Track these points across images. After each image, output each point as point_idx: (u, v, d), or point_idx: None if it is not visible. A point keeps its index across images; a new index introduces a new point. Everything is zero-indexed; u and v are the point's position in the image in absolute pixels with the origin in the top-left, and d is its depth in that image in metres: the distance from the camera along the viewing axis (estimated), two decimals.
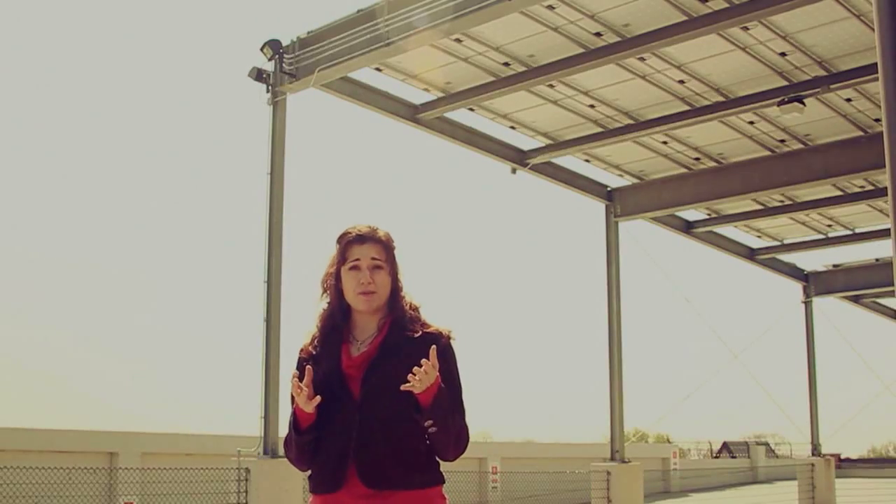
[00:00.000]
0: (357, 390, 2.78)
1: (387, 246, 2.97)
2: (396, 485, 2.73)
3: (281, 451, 8.97)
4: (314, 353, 2.93)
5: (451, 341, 2.91)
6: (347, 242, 2.96)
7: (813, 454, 21.01)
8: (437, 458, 2.85)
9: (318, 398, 2.71)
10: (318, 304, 3.04)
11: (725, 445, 37.45)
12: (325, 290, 3.03)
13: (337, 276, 2.98)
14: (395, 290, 2.95)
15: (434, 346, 2.70)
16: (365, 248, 2.93)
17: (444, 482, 2.86)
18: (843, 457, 34.77)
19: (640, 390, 20.40)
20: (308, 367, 2.78)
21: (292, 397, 2.82)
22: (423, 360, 2.65)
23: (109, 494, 14.24)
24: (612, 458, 14.77)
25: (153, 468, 13.79)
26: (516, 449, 24.87)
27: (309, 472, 2.89)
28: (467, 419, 2.89)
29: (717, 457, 36.47)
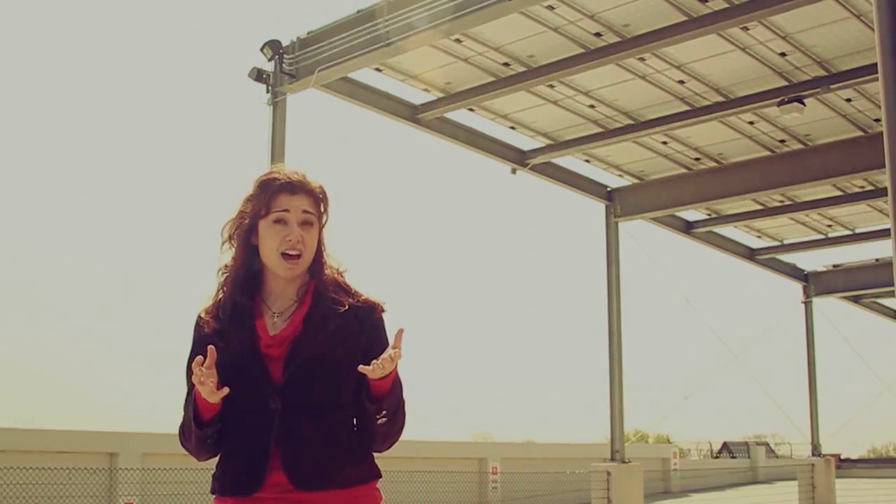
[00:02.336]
0: (279, 373, 2.31)
1: (320, 200, 2.48)
2: (330, 483, 2.30)
3: None
4: (218, 326, 2.40)
5: (384, 314, 2.48)
6: (275, 190, 2.42)
7: (813, 454, 21.00)
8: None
9: (226, 389, 2.22)
10: (220, 258, 2.49)
11: (725, 445, 37.44)
12: (229, 242, 2.47)
13: (250, 229, 2.43)
14: (320, 252, 2.47)
15: (401, 329, 2.27)
16: (296, 199, 2.42)
17: (380, 476, 2.44)
18: (843, 457, 34.74)
19: (640, 390, 20.41)
20: (210, 347, 2.26)
21: (189, 377, 2.33)
22: (388, 352, 2.23)
23: (110, 495, 14.22)
24: (612, 459, 14.76)
25: (153, 468, 13.80)
26: (516, 449, 24.86)
27: (213, 466, 2.43)
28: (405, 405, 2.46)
29: (717, 457, 36.45)
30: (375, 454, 2.45)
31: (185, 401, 2.37)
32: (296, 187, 2.42)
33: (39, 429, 14.95)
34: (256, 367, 2.33)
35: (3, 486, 12.17)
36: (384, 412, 2.30)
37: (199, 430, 2.32)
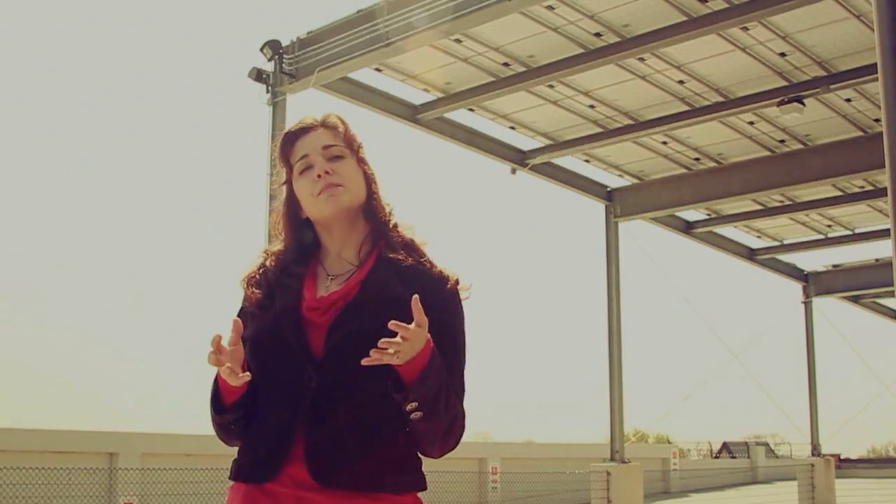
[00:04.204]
0: (319, 343, 1.94)
1: (344, 132, 2.12)
2: (357, 484, 1.89)
3: None
4: (260, 294, 2.06)
5: (460, 289, 2.06)
6: (288, 140, 2.11)
7: (813, 454, 20.99)
8: (419, 454, 2.02)
9: (248, 375, 1.90)
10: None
11: (725, 446, 37.48)
12: (278, 233, 2.16)
13: (289, 199, 2.12)
14: (372, 194, 2.11)
15: (416, 297, 1.82)
16: (311, 137, 2.10)
17: (424, 488, 1.99)
18: (843, 457, 34.77)
19: (640, 390, 20.40)
20: (236, 319, 1.96)
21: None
22: (404, 326, 1.79)
23: (109, 495, 14.23)
24: (612, 459, 14.76)
25: (153, 468, 13.82)
26: (516, 449, 24.87)
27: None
28: (464, 402, 2.03)
29: (717, 457, 36.49)
30: (426, 458, 2.03)
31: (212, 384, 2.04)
32: (308, 126, 2.11)
33: (39, 429, 14.97)
34: (294, 334, 1.96)
35: (3, 486, 12.18)
36: (413, 403, 1.85)
37: (217, 415, 2.00)
